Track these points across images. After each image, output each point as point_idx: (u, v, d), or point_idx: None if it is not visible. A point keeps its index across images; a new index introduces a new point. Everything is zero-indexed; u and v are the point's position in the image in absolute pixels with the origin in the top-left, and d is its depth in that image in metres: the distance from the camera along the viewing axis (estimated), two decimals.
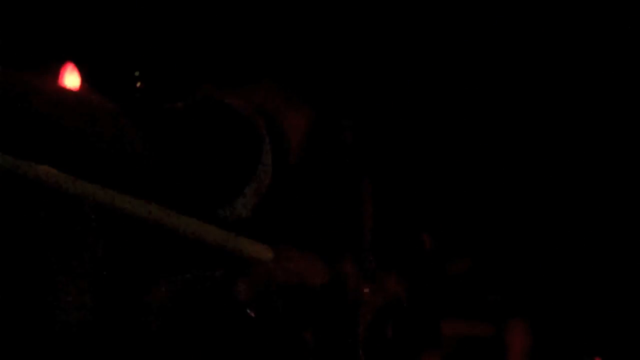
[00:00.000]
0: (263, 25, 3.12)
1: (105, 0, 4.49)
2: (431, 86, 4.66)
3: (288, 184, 3.05)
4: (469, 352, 4.57)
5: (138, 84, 4.52)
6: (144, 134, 2.40)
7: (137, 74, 4.52)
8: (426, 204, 4.70)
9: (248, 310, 2.91)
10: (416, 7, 4.29)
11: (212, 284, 2.80)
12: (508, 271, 4.69)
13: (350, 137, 3.61)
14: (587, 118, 4.63)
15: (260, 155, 2.67)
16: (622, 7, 4.28)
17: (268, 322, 2.93)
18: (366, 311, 3.52)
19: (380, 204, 4.50)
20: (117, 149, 2.39)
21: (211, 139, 2.54)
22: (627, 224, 4.65)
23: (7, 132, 2.24)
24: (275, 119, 2.74)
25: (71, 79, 4.32)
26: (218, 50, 3.11)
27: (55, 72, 4.28)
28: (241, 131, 2.61)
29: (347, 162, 3.72)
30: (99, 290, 2.64)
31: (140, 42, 4.48)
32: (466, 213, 4.75)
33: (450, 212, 4.74)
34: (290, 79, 2.87)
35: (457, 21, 4.50)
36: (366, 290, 3.61)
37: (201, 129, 2.54)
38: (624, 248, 4.64)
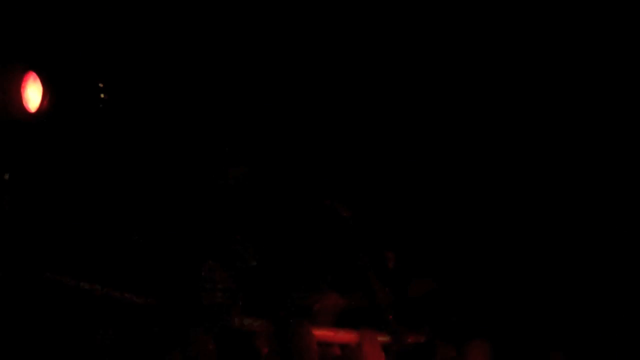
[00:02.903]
0: None
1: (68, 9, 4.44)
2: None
3: None
4: None
5: (102, 95, 4.47)
6: None
7: (101, 85, 4.46)
8: (390, 224, 4.70)
9: None
10: None
11: None
12: (469, 293, 4.69)
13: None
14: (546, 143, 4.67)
15: None
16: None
17: None
18: None
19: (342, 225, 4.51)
20: None
21: None
22: (588, 246, 4.68)
23: None
24: None
25: (33, 88, 4.24)
26: None
27: (17, 81, 4.21)
28: None
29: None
30: None
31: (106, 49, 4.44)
32: (428, 234, 4.75)
33: (412, 233, 4.74)
34: None
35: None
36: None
37: None
38: (584, 268, 4.67)
